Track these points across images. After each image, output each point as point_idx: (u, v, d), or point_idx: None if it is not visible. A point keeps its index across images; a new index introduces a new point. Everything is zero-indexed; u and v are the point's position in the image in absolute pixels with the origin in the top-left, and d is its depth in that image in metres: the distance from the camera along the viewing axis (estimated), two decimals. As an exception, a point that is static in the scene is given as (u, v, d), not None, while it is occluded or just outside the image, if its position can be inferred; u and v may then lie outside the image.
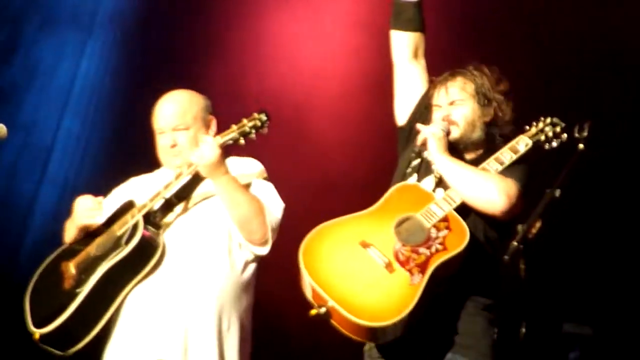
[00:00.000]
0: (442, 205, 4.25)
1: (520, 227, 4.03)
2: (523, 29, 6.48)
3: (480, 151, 4.49)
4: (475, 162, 4.41)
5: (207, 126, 4.59)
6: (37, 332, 4.35)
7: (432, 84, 4.56)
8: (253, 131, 4.40)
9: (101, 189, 4.75)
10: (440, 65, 4.68)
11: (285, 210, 4.59)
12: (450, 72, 4.53)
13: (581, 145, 4.19)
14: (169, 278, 4.38)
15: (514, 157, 4.36)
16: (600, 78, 6.22)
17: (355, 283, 4.10)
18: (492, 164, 4.34)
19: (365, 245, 4.17)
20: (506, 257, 3.99)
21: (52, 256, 4.59)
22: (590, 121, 4.21)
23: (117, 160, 6.64)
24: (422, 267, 4.11)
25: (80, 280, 4.37)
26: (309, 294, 4.11)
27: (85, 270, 4.39)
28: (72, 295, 4.33)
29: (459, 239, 4.18)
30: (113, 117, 7.08)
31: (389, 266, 4.11)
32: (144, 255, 4.34)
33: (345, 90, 6.87)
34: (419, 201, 4.28)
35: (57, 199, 6.85)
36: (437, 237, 4.18)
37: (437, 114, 4.48)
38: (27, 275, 4.63)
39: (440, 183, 4.38)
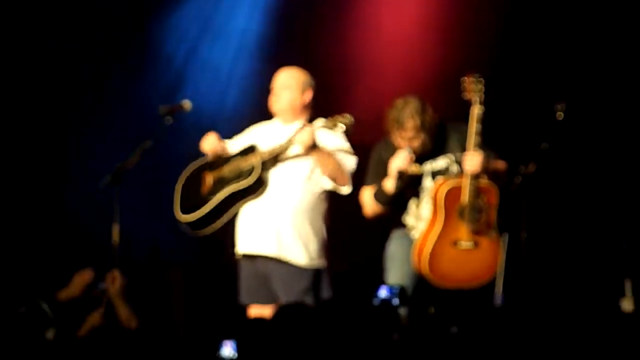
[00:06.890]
0: (465, 176, 5.75)
1: (522, 167, 5.79)
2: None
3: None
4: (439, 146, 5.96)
5: (302, 95, 6.41)
6: (182, 217, 6.29)
7: (390, 110, 5.89)
8: (343, 127, 6.00)
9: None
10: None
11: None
12: (402, 109, 5.85)
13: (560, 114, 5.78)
14: (270, 195, 6.21)
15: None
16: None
17: (468, 270, 5.82)
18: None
19: (455, 243, 5.79)
20: (512, 187, 5.79)
21: (198, 164, 6.50)
22: (564, 102, 5.82)
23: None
24: (489, 224, 5.80)
25: (213, 191, 6.38)
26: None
27: (218, 185, 6.41)
28: (207, 200, 6.28)
29: (489, 186, 5.80)
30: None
31: (477, 244, 5.78)
32: (257, 188, 6.31)
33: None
34: (459, 189, 5.79)
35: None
36: (480, 199, 5.79)
37: (399, 143, 5.86)
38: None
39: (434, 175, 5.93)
